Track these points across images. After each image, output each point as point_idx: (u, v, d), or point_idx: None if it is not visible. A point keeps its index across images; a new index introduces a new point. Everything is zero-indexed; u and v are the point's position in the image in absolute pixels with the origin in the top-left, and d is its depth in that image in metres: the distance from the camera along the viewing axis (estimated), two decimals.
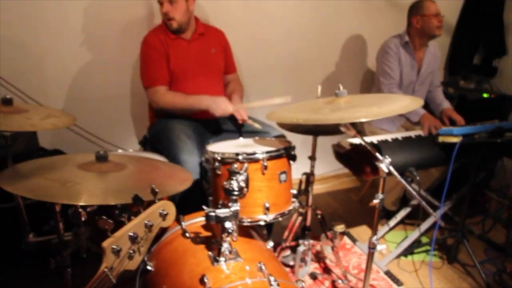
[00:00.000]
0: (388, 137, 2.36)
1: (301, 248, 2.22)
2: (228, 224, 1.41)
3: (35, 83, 2.47)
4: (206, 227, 1.62)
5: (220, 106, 2.21)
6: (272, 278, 1.36)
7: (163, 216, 1.09)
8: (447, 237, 2.58)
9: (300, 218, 2.18)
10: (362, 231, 2.80)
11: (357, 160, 2.16)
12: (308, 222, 2.22)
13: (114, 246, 0.97)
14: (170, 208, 1.11)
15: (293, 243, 2.26)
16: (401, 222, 2.71)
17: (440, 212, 2.44)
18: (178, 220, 1.69)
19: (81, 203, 1.18)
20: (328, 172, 3.45)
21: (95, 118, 2.65)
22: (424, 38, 2.70)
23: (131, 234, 1.00)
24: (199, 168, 2.05)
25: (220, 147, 1.73)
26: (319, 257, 2.50)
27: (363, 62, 3.33)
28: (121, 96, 2.73)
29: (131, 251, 1.00)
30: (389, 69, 2.69)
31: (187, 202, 1.97)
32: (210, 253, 1.47)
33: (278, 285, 1.29)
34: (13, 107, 1.64)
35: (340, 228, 2.31)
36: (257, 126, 2.28)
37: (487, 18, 3.34)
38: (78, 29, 2.50)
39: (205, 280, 1.32)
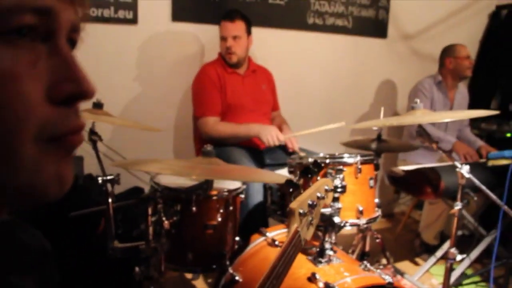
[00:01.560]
0: (435, 165, 2.43)
1: None
2: (337, 219, 1.41)
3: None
4: None
5: (271, 133, 2.23)
6: (382, 273, 1.36)
7: (326, 193, 1.04)
8: (497, 266, 2.55)
9: (361, 242, 2.16)
10: (405, 266, 2.77)
11: (416, 182, 2.21)
12: (367, 247, 2.20)
13: (301, 210, 0.90)
14: (331, 187, 1.07)
15: None
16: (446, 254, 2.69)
17: (498, 233, 2.35)
18: (261, 233, 1.67)
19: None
20: None
21: (137, 148, 2.63)
22: (456, 78, 2.90)
23: (310, 202, 0.94)
24: (263, 190, 2.05)
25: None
26: None
27: (393, 105, 3.50)
28: (165, 129, 2.75)
29: (310, 219, 0.94)
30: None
31: (248, 225, 1.96)
32: (308, 257, 1.45)
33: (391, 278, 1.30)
34: (103, 111, 1.65)
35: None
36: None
37: (503, 63, 3.57)
38: (133, 65, 2.59)
39: (317, 276, 1.30)
